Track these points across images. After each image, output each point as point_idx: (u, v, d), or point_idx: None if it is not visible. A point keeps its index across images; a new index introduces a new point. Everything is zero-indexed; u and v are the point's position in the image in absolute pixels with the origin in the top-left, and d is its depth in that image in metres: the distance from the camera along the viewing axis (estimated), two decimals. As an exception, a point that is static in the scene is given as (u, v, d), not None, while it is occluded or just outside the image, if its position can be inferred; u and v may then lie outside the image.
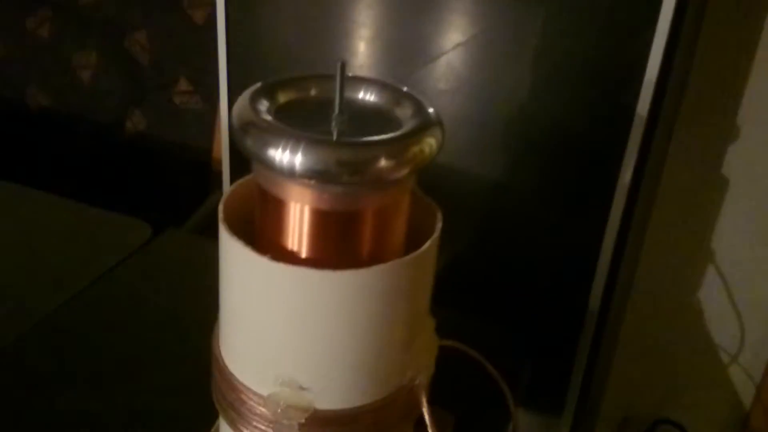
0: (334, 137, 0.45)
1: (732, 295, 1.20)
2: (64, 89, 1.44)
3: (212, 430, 0.60)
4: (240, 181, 0.51)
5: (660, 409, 1.33)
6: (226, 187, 1.13)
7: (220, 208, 0.48)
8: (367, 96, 0.49)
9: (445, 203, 0.51)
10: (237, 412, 0.50)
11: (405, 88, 0.49)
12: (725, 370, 1.27)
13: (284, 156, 0.42)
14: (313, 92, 0.48)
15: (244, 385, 0.49)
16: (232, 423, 0.50)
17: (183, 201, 1.25)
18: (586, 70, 0.85)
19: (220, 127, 1.32)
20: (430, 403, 0.52)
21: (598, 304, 0.90)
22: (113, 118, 1.42)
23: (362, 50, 0.97)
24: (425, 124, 0.46)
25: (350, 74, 0.49)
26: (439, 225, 0.49)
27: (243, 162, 0.47)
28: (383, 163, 0.43)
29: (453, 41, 0.93)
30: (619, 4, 0.80)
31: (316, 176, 0.43)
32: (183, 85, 1.35)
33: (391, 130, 0.45)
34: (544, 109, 0.88)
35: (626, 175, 0.81)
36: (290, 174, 0.43)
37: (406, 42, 0.96)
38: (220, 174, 1.32)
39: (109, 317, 0.78)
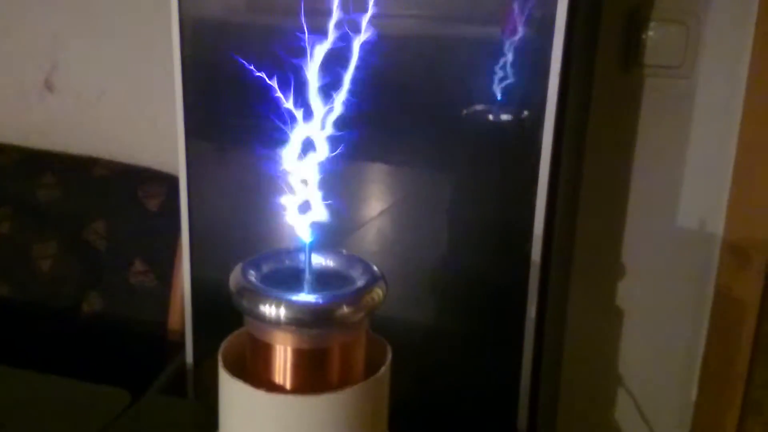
0: (307, 295, 0.61)
1: (643, 411, 1.36)
2: (23, 279, 1.55)
3: None
4: (230, 336, 0.65)
5: None
6: (189, 351, 1.26)
7: (220, 357, 0.62)
8: (327, 262, 0.65)
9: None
10: None
11: (356, 255, 0.66)
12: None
13: (272, 310, 0.58)
14: (287, 263, 0.65)
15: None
16: None
17: (139, 370, 1.35)
18: (491, 228, 1.04)
19: (175, 300, 1.46)
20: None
21: (525, 424, 1.05)
22: (71, 302, 1.54)
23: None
24: (373, 280, 0.62)
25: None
26: (389, 355, 0.64)
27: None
28: (345, 310, 0.59)
29: (377, 209, 1.12)
30: (506, 176, 1.01)
31: (296, 323, 0.58)
32: (138, 266, 1.49)
33: (348, 286, 0.61)
34: (460, 262, 1.06)
35: (532, 311, 0.99)
36: (276, 323, 0.58)
37: (342, 210, 1.14)
38: (175, 343, 1.44)
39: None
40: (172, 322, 1.47)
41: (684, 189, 1.28)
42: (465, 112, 1.03)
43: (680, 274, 1.31)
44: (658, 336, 1.34)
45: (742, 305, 1.26)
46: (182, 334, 1.34)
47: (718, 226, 1.27)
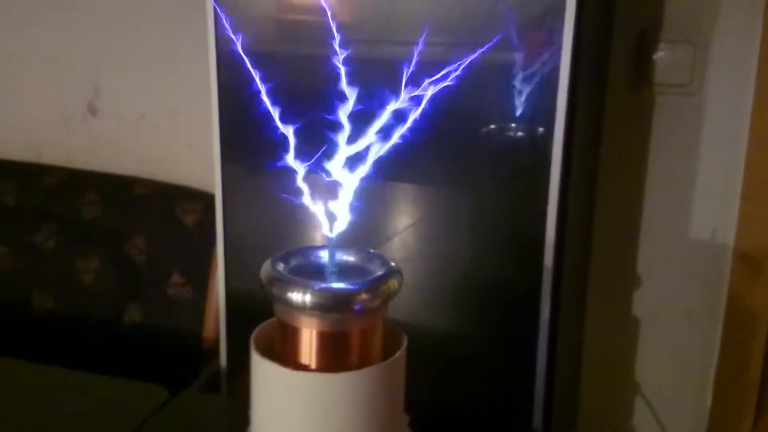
0: (331, 283, 0.68)
1: (659, 417, 1.40)
2: (67, 291, 1.64)
3: None
4: (260, 326, 0.72)
5: None
6: (223, 357, 1.33)
7: (252, 342, 0.69)
8: (348, 257, 0.72)
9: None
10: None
11: (373, 250, 0.72)
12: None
13: (299, 297, 0.65)
14: (312, 258, 0.72)
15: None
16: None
17: (176, 377, 1.42)
18: (508, 239, 1.11)
19: (210, 310, 1.53)
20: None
21: (540, 425, 1.10)
22: (112, 314, 1.62)
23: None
24: (389, 272, 0.69)
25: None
26: (405, 342, 0.71)
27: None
28: (364, 297, 0.66)
29: (403, 224, 1.18)
30: (522, 190, 1.08)
31: (320, 308, 0.65)
32: (176, 278, 1.57)
33: (367, 277, 0.68)
34: (479, 271, 1.12)
35: (545, 313, 1.05)
36: (303, 309, 0.65)
37: (368, 226, 1.21)
38: (210, 351, 1.51)
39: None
40: (208, 331, 1.54)
41: (695, 201, 1.33)
42: (483, 130, 1.10)
43: (693, 284, 1.36)
44: (673, 344, 1.39)
45: (754, 313, 1.30)
46: (217, 342, 1.41)
47: (729, 236, 1.32)
